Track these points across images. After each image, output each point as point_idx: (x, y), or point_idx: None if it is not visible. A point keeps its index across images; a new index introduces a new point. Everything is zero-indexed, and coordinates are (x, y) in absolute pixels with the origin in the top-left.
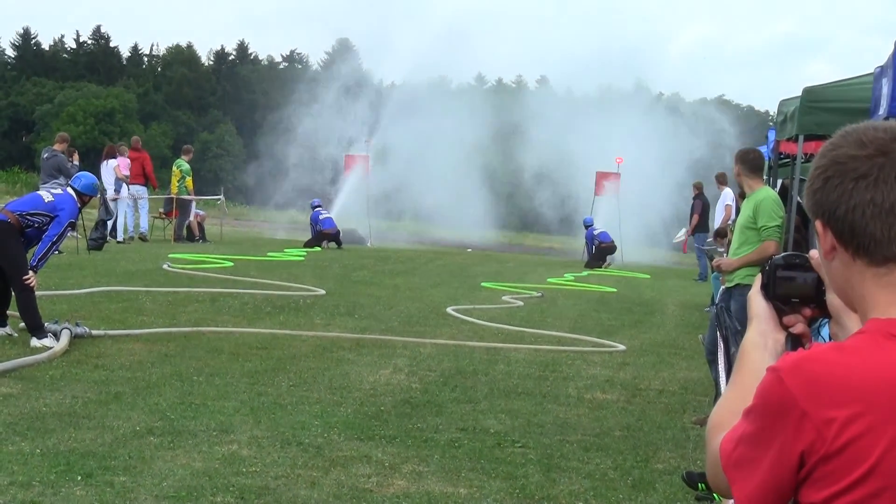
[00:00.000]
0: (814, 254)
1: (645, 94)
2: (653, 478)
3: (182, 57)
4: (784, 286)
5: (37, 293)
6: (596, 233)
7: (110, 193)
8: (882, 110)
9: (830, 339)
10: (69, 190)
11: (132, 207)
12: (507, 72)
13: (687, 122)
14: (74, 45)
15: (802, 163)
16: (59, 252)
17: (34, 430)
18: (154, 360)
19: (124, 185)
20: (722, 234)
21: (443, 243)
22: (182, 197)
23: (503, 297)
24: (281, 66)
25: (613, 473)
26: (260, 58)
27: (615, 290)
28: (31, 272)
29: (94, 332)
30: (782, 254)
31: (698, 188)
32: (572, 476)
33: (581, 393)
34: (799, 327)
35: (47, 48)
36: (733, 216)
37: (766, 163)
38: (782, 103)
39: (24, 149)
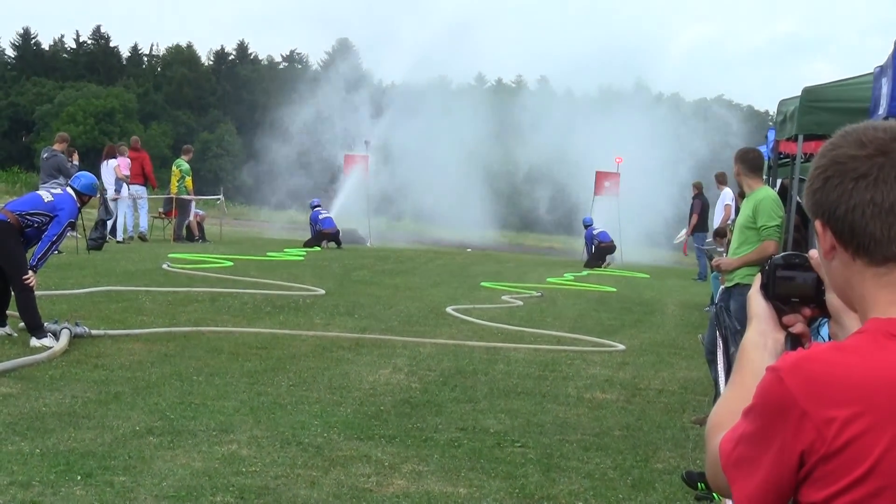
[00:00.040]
0: (813, 253)
1: (645, 93)
2: (652, 477)
3: (182, 57)
4: (784, 286)
5: (36, 293)
6: (595, 232)
7: (111, 193)
8: (882, 110)
9: (830, 338)
10: (69, 190)
11: (132, 207)
12: (507, 71)
13: (687, 122)
14: (74, 45)
15: (802, 162)
16: (59, 252)
17: (34, 429)
18: (154, 359)
19: (125, 185)
20: (721, 233)
21: (442, 243)
22: (182, 197)
23: (503, 297)
24: (281, 66)
25: (613, 473)
26: (260, 58)
27: (615, 289)
28: (30, 272)
29: (94, 331)
30: (782, 253)
31: (698, 188)
32: (572, 476)
33: (581, 392)
34: (798, 327)
35: (47, 48)
36: (733, 216)
37: (766, 162)
38: (782, 103)
39: (23, 149)
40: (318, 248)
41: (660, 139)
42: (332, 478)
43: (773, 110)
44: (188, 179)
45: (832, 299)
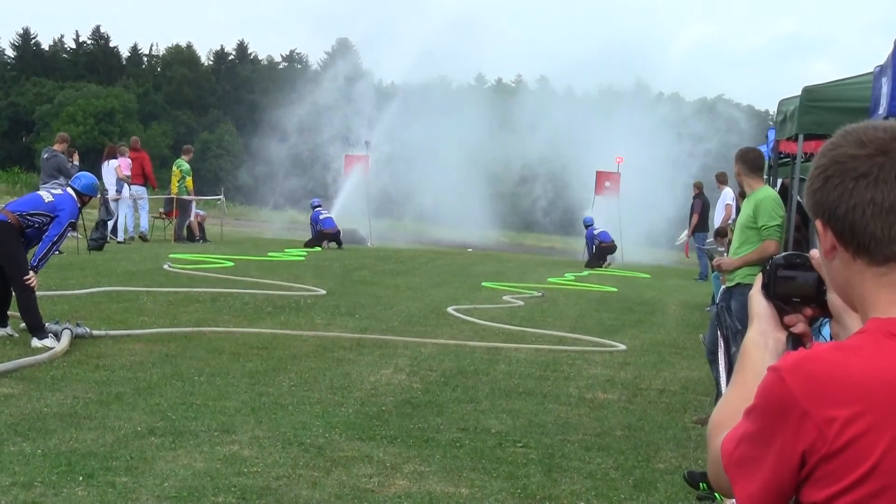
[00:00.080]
0: (814, 253)
1: (645, 93)
2: (654, 477)
3: (182, 57)
4: (785, 286)
5: (37, 293)
6: (596, 232)
7: (112, 194)
8: (882, 109)
9: (832, 338)
10: (69, 190)
11: (132, 208)
12: (508, 71)
13: (687, 122)
14: (74, 46)
15: (802, 162)
16: (60, 252)
17: (35, 430)
18: (155, 360)
19: (125, 185)
20: (722, 233)
21: (443, 243)
22: (182, 197)
23: (504, 297)
24: (281, 66)
25: (615, 473)
26: (259, 58)
27: (616, 289)
28: (31, 272)
29: (95, 332)
30: (783, 253)
31: (698, 188)
32: (574, 476)
33: (582, 392)
34: (800, 327)
35: (47, 48)
36: (733, 216)
37: (766, 162)
38: (782, 103)
39: (24, 149)
40: (319, 249)
41: (660, 139)
42: (333, 478)
43: (773, 110)
44: (188, 180)
45: (833, 299)
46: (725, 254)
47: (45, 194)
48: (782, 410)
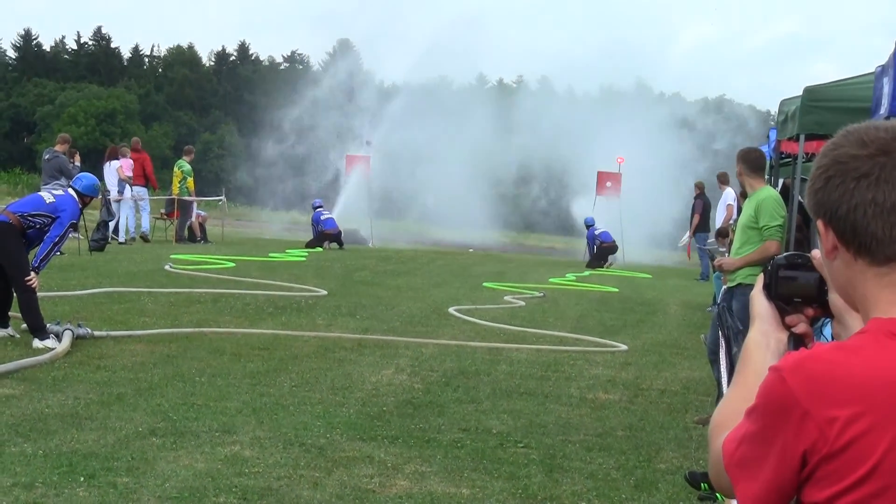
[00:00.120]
0: (816, 253)
1: (646, 93)
2: (655, 478)
3: (183, 58)
4: (786, 286)
5: (38, 294)
6: (597, 233)
7: (113, 194)
8: (883, 110)
9: (833, 338)
10: (70, 191)
11: (133, 209)
12: (509, 72)
13: (688, 122)
14: (75, 46)
15: (804, 162)
16: (61, 253)
17: (36, 431)
18: (156, 360)
19: (127, 186)
20: (723, 233)
21: (444, 244)
22: (183, 198)
23: (505, 298)
24: (282, 67)
25: (616, 473)
26: (261, 58)
27: (617, 289)
28: (32, 273)
29: (97, 332)
30: (784, 253)
31: (700, 188)
32: (575, 476)
33: (583, 393)
34: (801, 327)
35: (48, 49)
36: (735, 216)
37: (768, 162)
38: (783, 103)
39: (25, 150)
40: (320, 249)
41: (661, 139)
42: (334, 479)
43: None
44: (190, 180)
45: (835, 299)
46: (727, 254)
47: (47, 195)
48: (783, 410)
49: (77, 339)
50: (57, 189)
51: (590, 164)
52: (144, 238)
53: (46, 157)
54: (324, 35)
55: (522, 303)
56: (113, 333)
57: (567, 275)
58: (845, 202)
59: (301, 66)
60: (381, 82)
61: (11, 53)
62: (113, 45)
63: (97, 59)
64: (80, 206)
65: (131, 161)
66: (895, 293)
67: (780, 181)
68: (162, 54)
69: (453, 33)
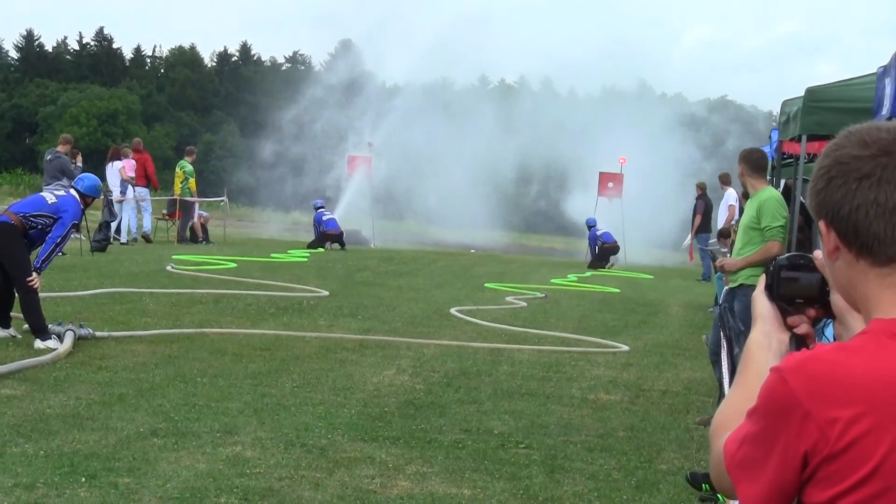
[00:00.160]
0: (817, 254)
1: (649, 94)
2: (657, 478)
3: (185, 58)
4: (788, 287)
5: (40, 295)
6: (599, 233)
7: (116, 195)
8: (885, 110)
9: (835, 339)
10: (72, 192)
11: (136, 209)
12: (511, 72)
13: (689, 122)
14: (77, 47)
15: (805, 163)
16: (63, 254)
17: (38, 431)
18: (158, 361)
19: (129, 186)
20: (725, 234)
21: (446, 244)
22: (185, 198)
23: (507, 298)
24: (284, 67)
25: (617, 474)
26: (263, 59)
27: (618, 290)
28: (34, 274)
29: (98, 333)
30: (786, 254)
31: (701, 188)
32: (576, 477)
33: (585, 394)
34: (803, 328)
35: (50, 50)
36: (737, 216)
37: (770, 163)
38: (785, 103)
39: (27, 150)
40: (322, 250)
41: (663, 139)
42: (336, 479)
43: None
44: (191, 181)
45: (837, 300)
46: (728, 255)
47: (49, 196)
48: (785, 411)
49: (79, 340)
50: (59, 190)
51: (591, 165)
52: (146, 238)
53: (48, 157)
54: (325, 35)
55: (524, 303)
56: (115, 334)
57: (569, 275)
58: (847, 203)
59: (303, 67)
60: (383, 83)
61: (13, 54)
62: (115, 46)
63: (99, 60)
64: (82, 206)
65: (134, 162)
66: None
67: (782, 182)
68: (164, 55)
69: (455, 34)
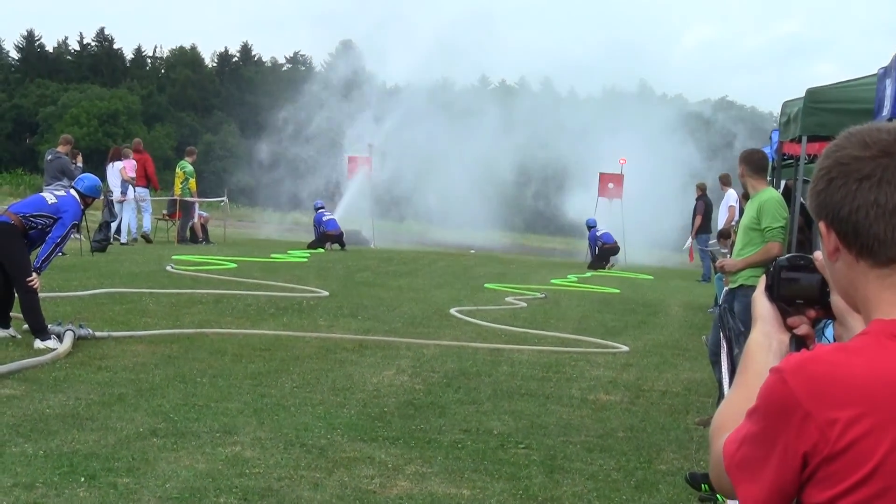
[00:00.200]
0: (818, 255)
1: (649, 94)
2: (656, 479)
3: (185, 59)
4: (788, 287)
5: (40, 295)
6: (599, 234)
7: (116, 195)
8: (886, 111)
9: (835, 340)
10: (72, 192)
11: (136, 210)
12: (511, 73)
13: (690, 123)
14: (78, 47)
15: (806, 164)
16: (63, 254)
17: (37, 431)
18: (157, 361)
19: (130, 186)
20: (725, 234)
21: (446, 245)
22: (185, 199)
23: (506, 299)
24: (284, 68)
25: (617, 475)
26: (263, 59)
27: (618, 291)
28: (34, 274)
29: (98, 333)
30: (787, 255)
31: (701, 189)
32: (575, 477)
33: (584, 394)
34: (803, 329)
35: (51, 50)
36: (737, 217)
37: (770, 164)
38: (786, 104)
39: (27, 151)
40: (322, 250)
41: (663, 140)
42: (335, 479)
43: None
44: (192, 181)
45: (837, 301)
46: (728, 255)
47: (49, 196)
48: (784, 412)
49: (78, 340)
50: (59, 190)
51: (592, 166)
52: (146, 238)
53: (49, 157)
54: (326, 36)
55: (524, 304)
56: (114, 334)
57: (569, 276)
58: (847, 204)
59: (303, 67)
60: (384, 83)
61: (14, 54)
62: (116, 46)
63: (100, 60)
64: (82, 206)
65: (134, 162)
66: None
67: (783, 183)
68: (164, 55)
69: (455, 34)
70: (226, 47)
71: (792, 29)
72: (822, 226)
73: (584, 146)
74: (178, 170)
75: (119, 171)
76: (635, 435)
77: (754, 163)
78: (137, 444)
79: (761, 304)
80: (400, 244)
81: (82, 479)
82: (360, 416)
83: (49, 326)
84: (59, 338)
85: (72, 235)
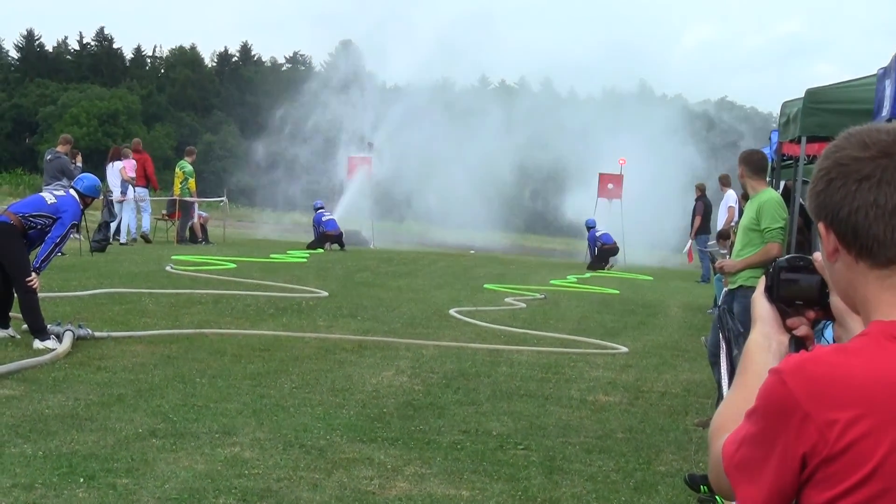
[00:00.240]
0: (817, 256)
1: (649, 95)
2: (655, 480)
3: (185, 58)
4: (788, 288)
5: (39, 295)
6: (598, 234)
7: (116, 195)
8: (885, 112)
9: (834, 341)
10: (72, 192)
11: (135, 210)
12: (511, 73)
13: (690, 123)
14: (78, 47)
15: (805, 164)
16: (62, 254)
17: (36, 432)
18: (157, 361)
19: (130, 186)
20: (725, 235)
21: (446, 245)
22: (185, 199)
23: (506, 299)
24: (284, 68)
25: (616, 476)
26: (263, 59)
27: (618, 291)
28: (33, 274)
29: (97, 333)
30: (786, 256)
31: (701, 189)
32: (574, 478)
33: (583, 395)
34: (802, 329)
35: (51, 50)
36: (736, 218)
37: (769, 164)
38: (785, 105)
39: (27, 150)
40: (322, 250)
41: (663, 140)
42: (334, 480)
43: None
44: (191, 181)
45: (836, 302)
46: (728, 256)
47: (48, 196)
48: (783, 412)
49: (78, 340)
50: (58, 190)
51: (591, 166)
52: (146, 238)
53: (48, 157)
54: (326, 36)
55: (523, 304)
56: (114, 334)
57: (568, 276)
58: (847, 204)
59: (303, 67)
60: (384, 83)
61: (14, 54)
62: (115, 46)
63: (99, 60)
64: (82, 206)
65: (134, 162)
66: None
67: (782, 183)
68: (164, 55)
69: (455, 34)
70: (225, 47)
71: (792, 29)
72: (821, 226)
73: (584, 146)
74: (177, 170)
75: (119, 170)
76: (634, 436)
77: (754, 163)
78: (136, 445)
79: (761, 305)
80: (399, 244)
81: (81, 480)
82: (359, 417)
83: (48, 326)
84: (59, 338)
85: (71, 235)
